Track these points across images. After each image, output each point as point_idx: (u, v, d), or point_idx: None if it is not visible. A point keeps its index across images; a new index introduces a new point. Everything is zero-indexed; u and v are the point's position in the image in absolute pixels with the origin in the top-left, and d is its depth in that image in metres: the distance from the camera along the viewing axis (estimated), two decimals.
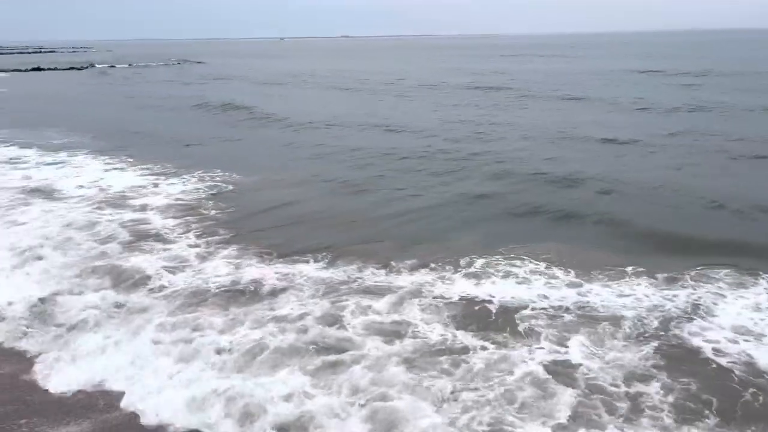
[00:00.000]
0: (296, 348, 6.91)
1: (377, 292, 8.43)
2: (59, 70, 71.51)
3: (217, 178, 15.35)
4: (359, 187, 14.38)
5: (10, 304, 8.23)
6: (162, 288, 8.81)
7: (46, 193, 14.30)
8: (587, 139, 19.53)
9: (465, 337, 7.15)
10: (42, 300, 8.31)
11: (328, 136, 21.66)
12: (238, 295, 8.49)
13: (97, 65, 79.29)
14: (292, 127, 24.02)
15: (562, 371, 6.39)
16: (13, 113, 30.90)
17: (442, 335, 7.21)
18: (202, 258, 9.96)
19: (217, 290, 8.63)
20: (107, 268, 9.44)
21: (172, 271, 9.42)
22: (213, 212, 12.54)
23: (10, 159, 18.47)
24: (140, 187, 14.65)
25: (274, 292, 8.52)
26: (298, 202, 13.24)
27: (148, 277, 9.14)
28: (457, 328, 7.37)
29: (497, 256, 9.59)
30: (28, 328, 7.73)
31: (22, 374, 6.78)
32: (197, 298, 8.41)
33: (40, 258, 9.91)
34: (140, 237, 11.02)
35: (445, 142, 19.69)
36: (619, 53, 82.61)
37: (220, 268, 9.42)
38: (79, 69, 72.88)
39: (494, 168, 15.94)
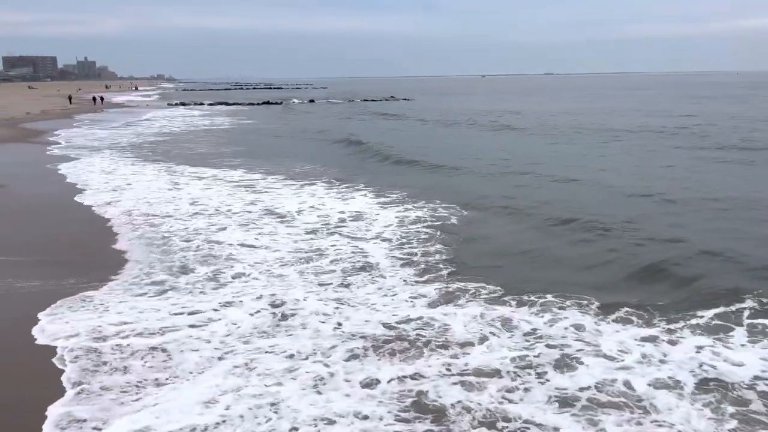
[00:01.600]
0: None
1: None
2: (254, 105, 76.42)
3: (440, 210, 14.69)
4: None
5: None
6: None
7: (277, 215, 14.73)
8: None
9: None
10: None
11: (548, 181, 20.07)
12: None
13: (295, 100, 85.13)
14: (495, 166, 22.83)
15: None
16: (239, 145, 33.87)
17: None
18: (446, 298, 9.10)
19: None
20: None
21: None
22: (441, 246, 11.76)
23: (240, 181, 19.70)
24: (361, 212, 14.54)
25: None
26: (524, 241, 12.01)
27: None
28: None
29: None
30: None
31: None
32: None
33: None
34: (363, 268, 10.60)
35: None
36: None
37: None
38: (272, 104, 77.26)
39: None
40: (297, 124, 42.95)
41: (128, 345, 7.54)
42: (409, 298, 9.21)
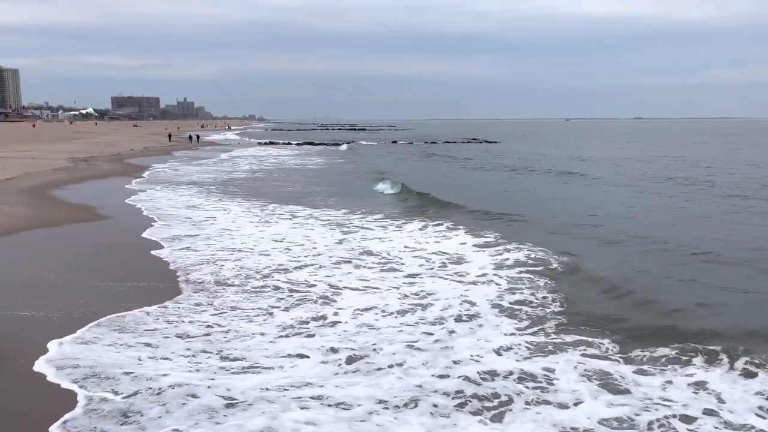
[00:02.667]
0: None
1: None
2: (325, 145, 77.29)
3: (539, 254, 14.04)
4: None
5: None
6: None
7: (374, 254, 14.57)
8: None
9: None
10: None
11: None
12: None
13: (363, 142, 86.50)
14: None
15: None
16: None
17: None
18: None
19: None
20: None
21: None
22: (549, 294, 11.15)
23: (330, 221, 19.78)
24: (458, 254, 14.13)
25: None
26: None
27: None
28: None
29: None
30: None
31: None
32: None
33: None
34: (466, 316, 10.14)
35: None
36: None
37: None
38: (334, 145, 77.78)
39: None
40: (371, 166, 43.52)
41: None
42: (512, 346, 8.69)
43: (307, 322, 9.73)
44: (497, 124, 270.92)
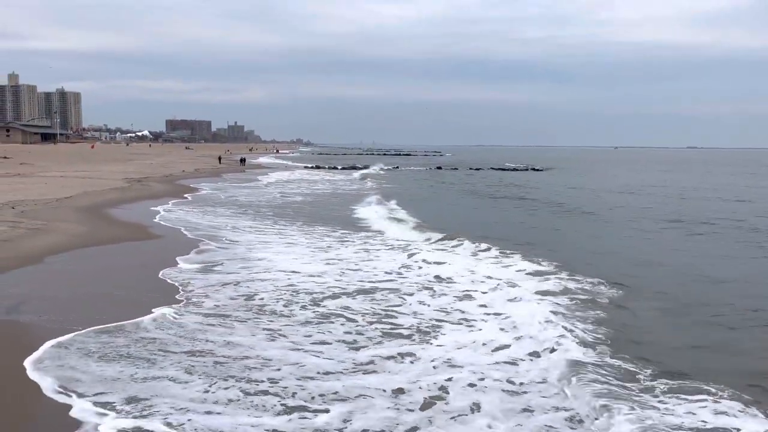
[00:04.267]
0: None
1: None
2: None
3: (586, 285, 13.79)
4: None
5: None
6: None
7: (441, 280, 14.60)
8: None
9: None
10: None
11: None
12: None
13: (403, 167, 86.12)
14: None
15: None
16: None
17: None
18: None
19: None
20: None
21: None
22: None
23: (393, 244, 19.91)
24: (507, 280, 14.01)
25: None
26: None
27: None
28: None
29: None
30: None
31: None
32: None
33: None
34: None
35: None
36: None
37: None
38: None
39: None
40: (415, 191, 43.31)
41: None
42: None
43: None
44: (543, 151, 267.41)
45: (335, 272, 15.01)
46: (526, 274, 14.93)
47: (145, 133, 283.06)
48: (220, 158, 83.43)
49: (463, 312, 11.79)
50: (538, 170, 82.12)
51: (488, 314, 11.67)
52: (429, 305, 12.27)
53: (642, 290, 13.72)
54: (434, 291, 13.43)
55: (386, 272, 15.22)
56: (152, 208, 26.65)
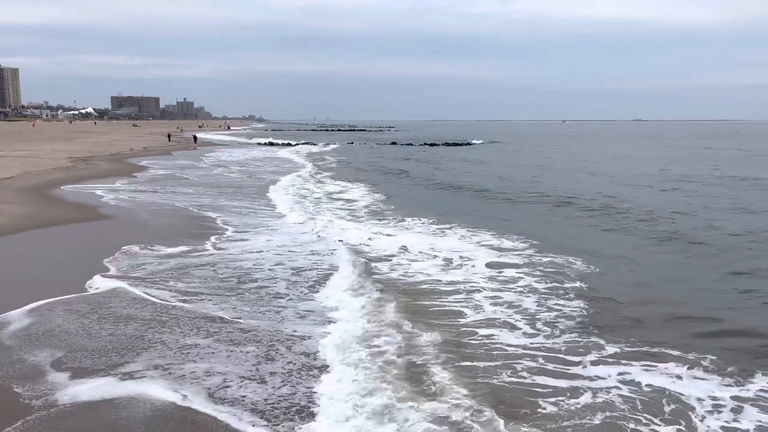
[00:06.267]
0: None
1: None
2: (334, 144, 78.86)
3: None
4: None
5: None
6: None
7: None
8: None
9: None
10: None
11: None
12: None
13: (357, 143, 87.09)
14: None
15: None
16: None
17: None
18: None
19: None
20: None
21: None
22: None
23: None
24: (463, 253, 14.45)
25: None
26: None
27: None
28: None
29: None
30: None
31: None
32: None
33: None
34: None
35: None
36: None
37: None
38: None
39: None
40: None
41: None
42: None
43: None
44: (492, 126, 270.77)
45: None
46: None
47: (90, 110, 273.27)
48: (169, 136, 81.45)
49: None
50: (471, 144, 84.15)
51: None
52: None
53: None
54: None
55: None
56: (98, 189, 26.00)
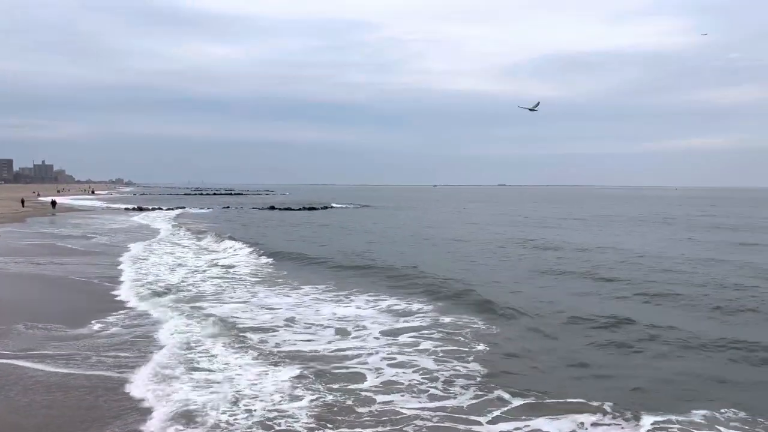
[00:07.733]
0: None
1: None
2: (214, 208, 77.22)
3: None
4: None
5: None
6: None
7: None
8: None
9: None
10: None
11: None
12: None
13: (233, 207, 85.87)
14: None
15: None
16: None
17: None
18: None
19: None
20: None
21: None
22: None
23: None
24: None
25: None
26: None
27: None
28: None
29: None
30: None
31: None
32: None
33: None
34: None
35: None
36: None
37: None
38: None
39: None
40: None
41: None
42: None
43: None
44: (368, 190, 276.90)
45: None
46: None
47: None
48: (23, 201, 74.76)
49: None
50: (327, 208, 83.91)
51: None
52: None
53: None
54: None
55: None
56: None
